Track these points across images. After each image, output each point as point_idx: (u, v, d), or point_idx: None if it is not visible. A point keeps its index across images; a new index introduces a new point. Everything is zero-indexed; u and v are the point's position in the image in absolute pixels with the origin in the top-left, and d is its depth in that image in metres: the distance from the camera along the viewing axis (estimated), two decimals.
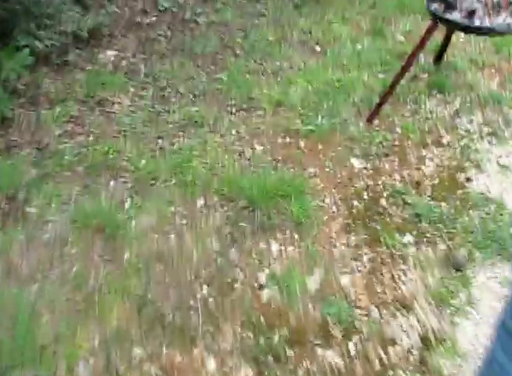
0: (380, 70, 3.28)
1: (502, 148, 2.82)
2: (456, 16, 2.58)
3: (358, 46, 3.48)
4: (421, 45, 2.68)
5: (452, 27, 2.64)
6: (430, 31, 2.67)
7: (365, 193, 2.54)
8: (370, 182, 2.60)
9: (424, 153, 2.77)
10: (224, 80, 3.16)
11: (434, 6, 2.64)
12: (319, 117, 2.90)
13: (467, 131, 2.91)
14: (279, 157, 2.70)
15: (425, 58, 3.37)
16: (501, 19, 2.57)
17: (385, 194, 2.54)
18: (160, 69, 3.29)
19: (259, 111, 2.96)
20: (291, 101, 3.01)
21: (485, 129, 2.92)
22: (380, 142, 2.79)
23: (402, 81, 2.92)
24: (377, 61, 3.34)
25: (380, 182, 2.60)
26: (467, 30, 2.61)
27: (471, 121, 2.97)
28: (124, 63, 3.36)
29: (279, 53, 3.41)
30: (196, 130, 2.84)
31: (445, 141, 2.84)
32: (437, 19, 2.62)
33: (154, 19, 3.77)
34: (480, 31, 2.58)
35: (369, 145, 2.78)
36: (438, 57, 3.28)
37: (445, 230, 2.39)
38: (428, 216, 2.44)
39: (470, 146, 2.82)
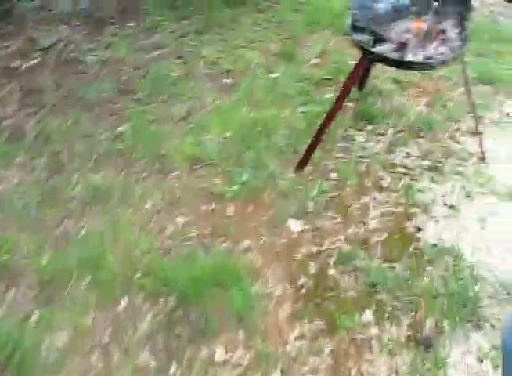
0: (299, 103, 2.96)
1: (445, 184, 2.59)
2: (387, 48, 2.30)
3: (272, 75, 3.15)
4: (352, 81, 2.39)
5: (383, 61, 2.34)
6: (360, 66, 2.38)
7: (311, 264, 2.23)
8: (313, 249, 2.29)
9: (366, 201, 2.49)
10: (127, 135, 2.74)
11: (362, 38, 2.34)
12: (243, 173, 2.55)
13: (406, 167, 2.66)
14: (206, 231, 2.33)
15: None
16: (432, 50, 2.31)
17: (332, 262, 2.24)
18: (52, 126, 2.82)
19: (174, 172, 2.58)
20: (208, 154, 2.64)
21: (424, 163, 2.68)
22: (317, 195, 2.49)
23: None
24: (295, 92, 3.03)
25: (324, 247, 2.30)
26: (401, 65, 2.33)
27: (408, 155, 2.72)
28: (5, 123, 2.86)
29: (186, 92, 3.02)
30: (103, 206, 2.42)
31: (385, 183, 2.58)
32: (365, 51, 2.32)
33: (36, 61, 3.27)
34: (414, 66, 2.31)
35: (304, 200, 2.47)
36: (361, 82, 3.00)
37: (406, 299, 2.12)
38: (384, 284, 2.16)
39: (412, 186, 2.57)
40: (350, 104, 2.96)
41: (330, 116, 2.45)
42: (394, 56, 2.28)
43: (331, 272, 2.21)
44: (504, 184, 2.58)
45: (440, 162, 2.69)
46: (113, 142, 2.71)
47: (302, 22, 3.55)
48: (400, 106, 2.98)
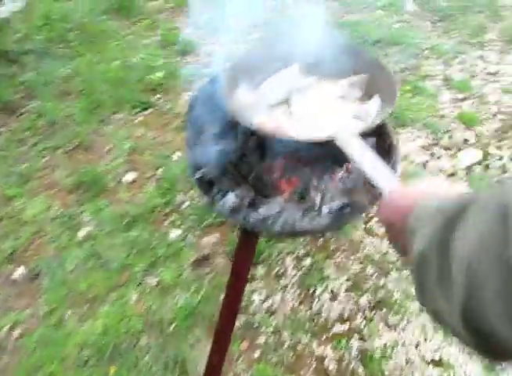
0: (145, 271, 1.93)
1: (408, 326, 1.77)
2: (275, 209, 1.35)
3: (83, 232, 2.06)
4: (241, 279, 1.41)
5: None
6: (247, 252, 1.40)
7: None
8: None
9: None
10: None
11: (231, 203, 1.36)
12: None
13: (343, 319, 1.79)
14: None
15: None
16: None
17: None
18: None
19: None
20: None
21: (363, 300, 1.83)
22: None
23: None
24: (129, 252, 1.98)
25: None
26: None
27: (334, 295, 1.85)
28: None
29: None
30: None
31: (330, 366, 1.69)
32: (248, 233, 1.35)
33: None
34: (338, 223, 1.39)
35: None
36: None
37: None
38: None
39: (369, 352, 1.72)
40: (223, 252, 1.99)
41: (219, 350, 1.47)
42: (295, 219, 1.33)
43: None
44: None
45: (379, 287, 1.85)
46: None
47: (81, 112, 2.42)
48: None
